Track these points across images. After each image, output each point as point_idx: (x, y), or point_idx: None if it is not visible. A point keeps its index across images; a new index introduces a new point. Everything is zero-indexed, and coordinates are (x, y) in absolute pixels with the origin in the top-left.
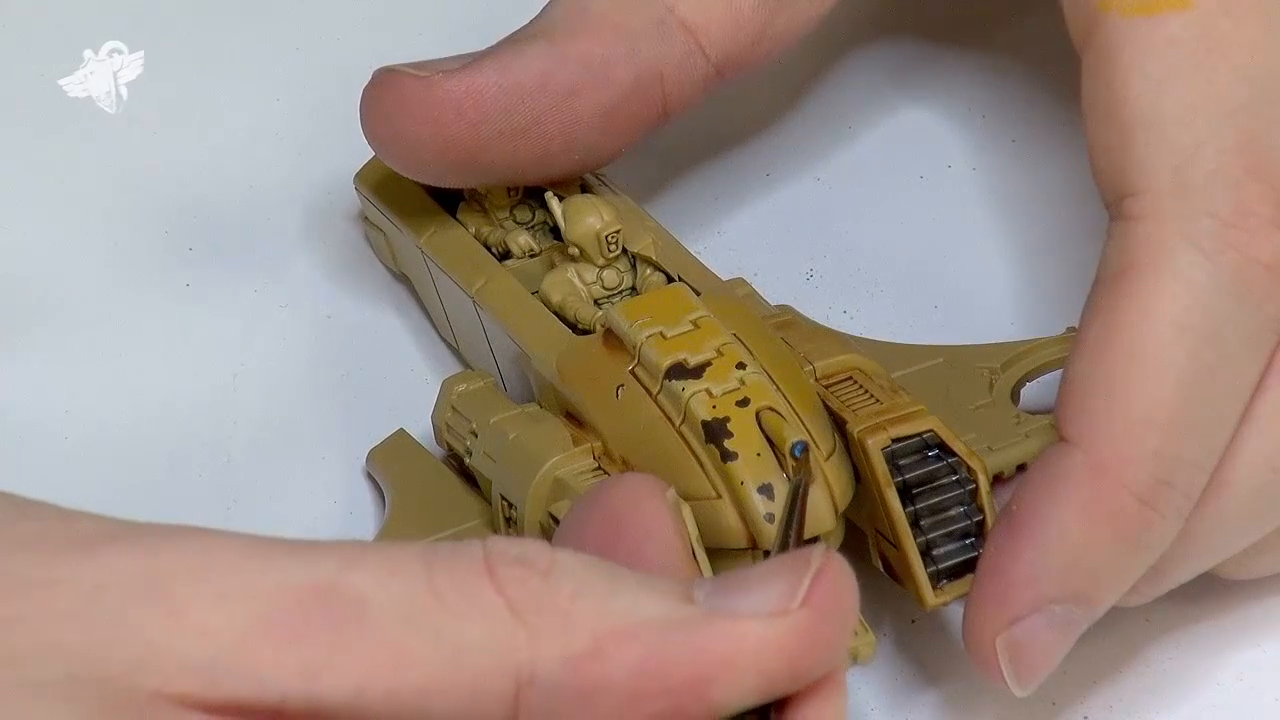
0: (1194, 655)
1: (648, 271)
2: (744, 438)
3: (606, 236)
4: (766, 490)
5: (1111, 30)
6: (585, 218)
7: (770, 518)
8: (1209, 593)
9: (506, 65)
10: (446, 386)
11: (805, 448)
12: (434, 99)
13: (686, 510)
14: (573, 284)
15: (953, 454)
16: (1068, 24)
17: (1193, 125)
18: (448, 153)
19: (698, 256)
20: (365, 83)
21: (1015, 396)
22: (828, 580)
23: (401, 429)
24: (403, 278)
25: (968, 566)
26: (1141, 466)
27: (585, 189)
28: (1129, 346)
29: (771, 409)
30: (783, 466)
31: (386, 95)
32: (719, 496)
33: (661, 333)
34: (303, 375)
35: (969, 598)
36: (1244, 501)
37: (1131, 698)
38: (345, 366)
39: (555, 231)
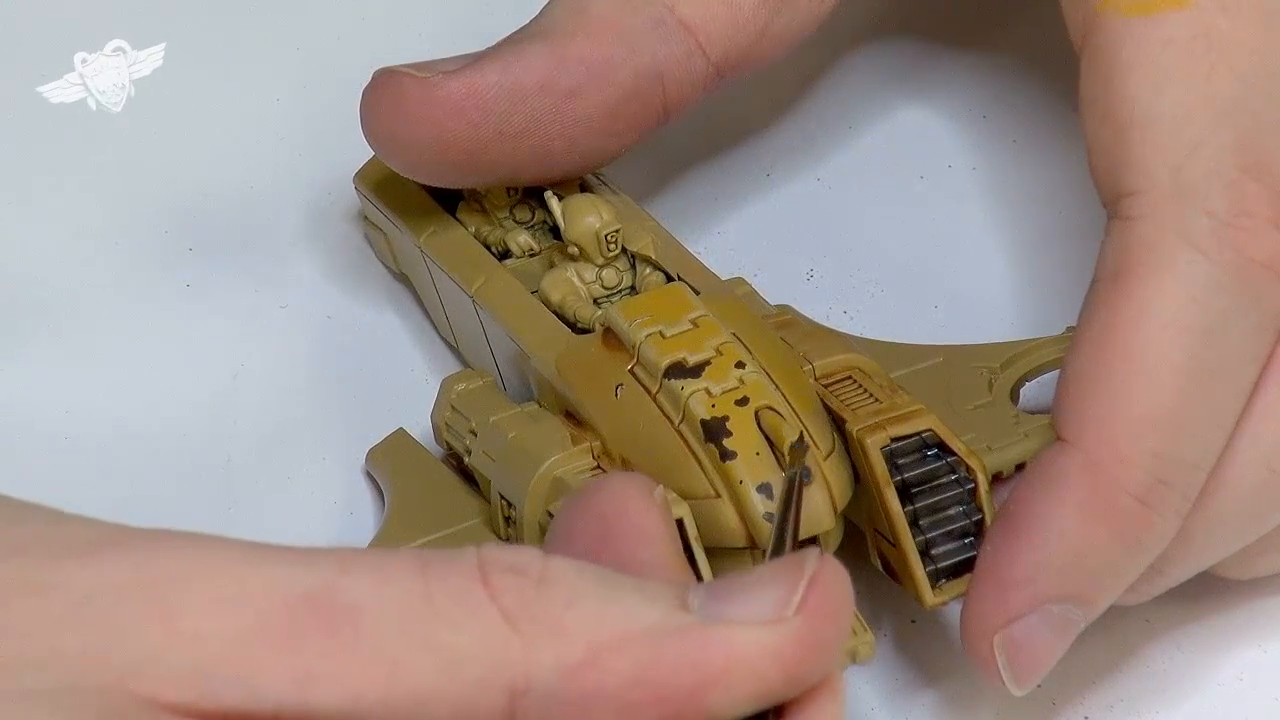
0: (1194, 655)
1: (647, 271)
2: (743, 437)
3: (606, 236)
4: (765, 489)
5: (1109, 30)
6: (585, 217)
7: (769, 517)
8: (1209, 593)
9: (507, 66)
10: (446, 386)
11: (804, 443)
12: (434, 99)
13: (685, 509)
14: (572, 283)
15: (952, 453)
16: (1066, 24)
17: (1190, 125)
18: (448, 153)
19: (698, 256)
20: (365, 83)
21: (1014, 396)
22: (823, 586)
23: (401, 428)
24: (402, 277)
25: (967, 566)
26: (1139, 466)
27: (585, 188)
28: (1127, 346)
29: (770, 408)
30: (781, 466)
31: (386, 96)
32: (718, 495)
33: (661, 332)
34: (303, 375)
35: (966, 597)
36: (1242, 501)
37: (1132, 698)
38: (345, 366)
39: (555, 231)
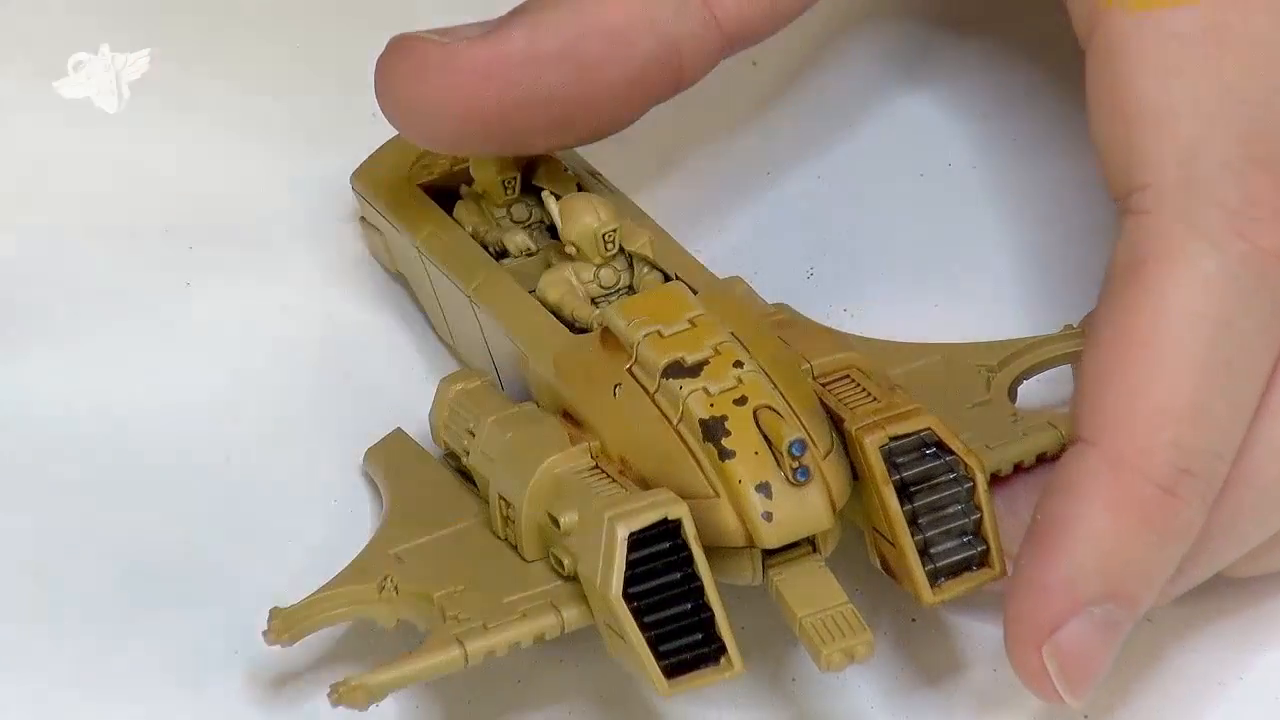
0: (1196, 655)
1: (645, 270)
2: (741, 436)
3: (603, 235)
4: (764, 489)
5: (1116, 25)
6: (582, 216)
7: (768, 516)
8: (1211, 593)
9: (531, 33)
10: (444, 386)
11: (803, 446)
12: (458, 66)
13: (683, 509)
14: (570, 283)
15: (950, 452)
16: (1072, 19)
17: (1198, 118)
18: (468, 120)
19: (698, 255)
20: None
21: (1012, 394)
22: None
23: (399, 428)
24: (399, 277)
25: (966, 564)
26: (1161, 457)
27: (582, 188)
28: (1142, 340)
29: (769, 407)
30: (780, 465)
31: (409, 62)
32: (716, 495)
33: (659, 331)
34: (302, 374)
35: (1007, 616)
36: (1262, 495)
37: (1132, 698)
38: (344, 366)
39: (552, 230)
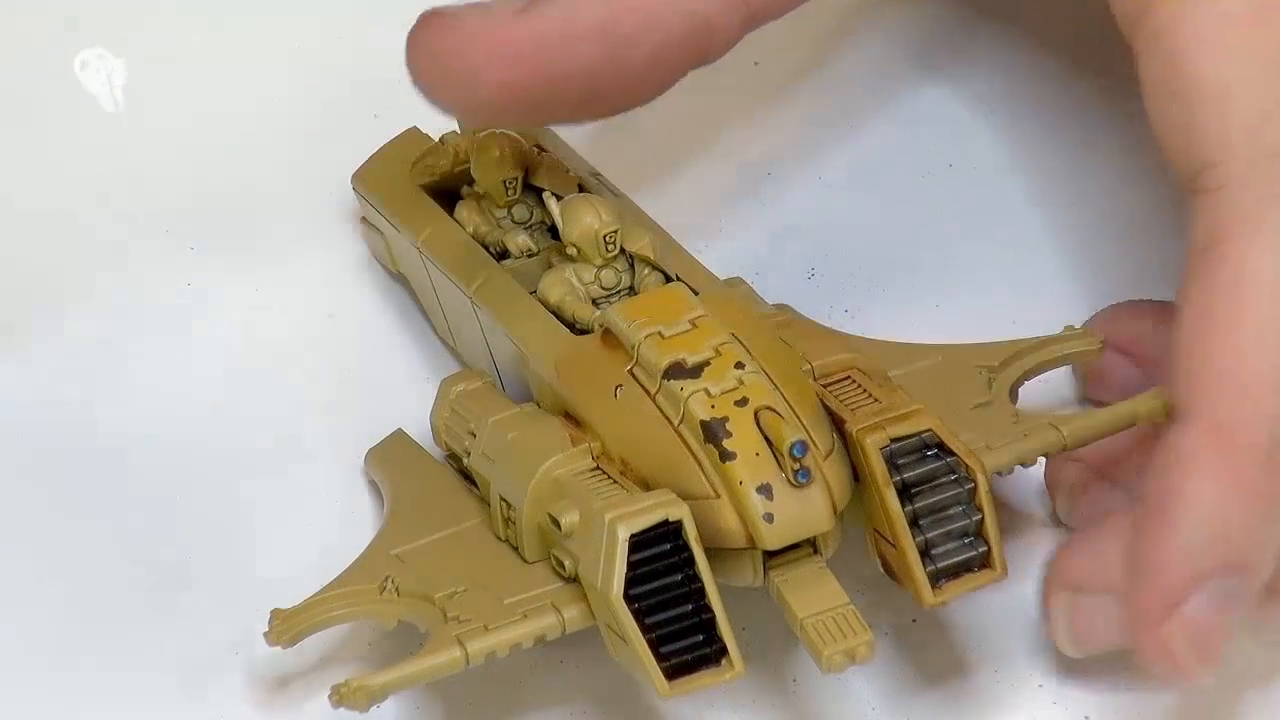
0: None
1: (646, 271)
2: (742, 437)
3: (604, 236)
4: (765, 490)
5: (1165, 11)
6: (583, 217)
7: (769, 517)
8: None
9: (568, 9)
10: (445, 387)
11: (804, 447)
12: (498, 40)
13: (684, 510)
14: (571, 284)
15: (951, 453)
16: (1114, 12)
17: (1261, 91)
18: (504, 94)
19: (699, 256)
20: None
21: (1014, 395)
22: None
23: (400, 429)
24: (400, 278)
25: (967, 566)
26: (1260, 428)
27: (583, 189)
28: (1229, 314)
29: (770, 408)
30: (781, 466)
31: (448, 35)
32: (717, 496)
33: (660, 332)
34: (302, 375)
35: (1128, 600)
36: None
37: (1133, 697)
38: (344, 366)
39: (553, 231)
